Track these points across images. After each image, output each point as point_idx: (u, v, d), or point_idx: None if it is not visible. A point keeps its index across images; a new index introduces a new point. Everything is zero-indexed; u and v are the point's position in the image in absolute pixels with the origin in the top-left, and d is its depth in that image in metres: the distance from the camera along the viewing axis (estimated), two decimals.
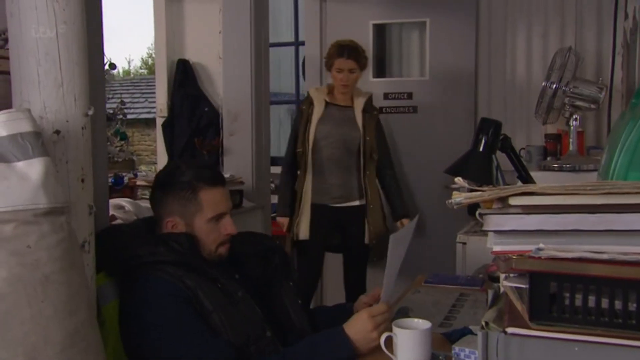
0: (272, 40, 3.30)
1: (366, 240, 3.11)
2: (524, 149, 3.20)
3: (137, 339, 1.47)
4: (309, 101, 3.13)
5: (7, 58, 1.31)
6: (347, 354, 1.45)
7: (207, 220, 1.61)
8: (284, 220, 3.17)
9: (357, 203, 3.11)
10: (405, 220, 3.18)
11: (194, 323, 1.44)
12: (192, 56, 4.33)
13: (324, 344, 1.48)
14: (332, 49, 3.09)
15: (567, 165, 2.72)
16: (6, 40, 1.32)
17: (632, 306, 0.82)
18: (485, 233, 0.94)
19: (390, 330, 1.37)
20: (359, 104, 3.10)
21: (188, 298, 1.46)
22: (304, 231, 3.06)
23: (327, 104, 3.11)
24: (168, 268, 1.49)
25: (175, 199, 1.61)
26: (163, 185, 1.66)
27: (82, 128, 1.31)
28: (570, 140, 2.85)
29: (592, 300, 0.84)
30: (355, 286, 3.19)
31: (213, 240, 1.62)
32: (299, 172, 3.13)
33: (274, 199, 4.10)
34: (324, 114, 3.07)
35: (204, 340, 1.43)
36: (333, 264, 3.41)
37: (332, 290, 3.39)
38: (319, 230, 3.09)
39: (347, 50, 3.01)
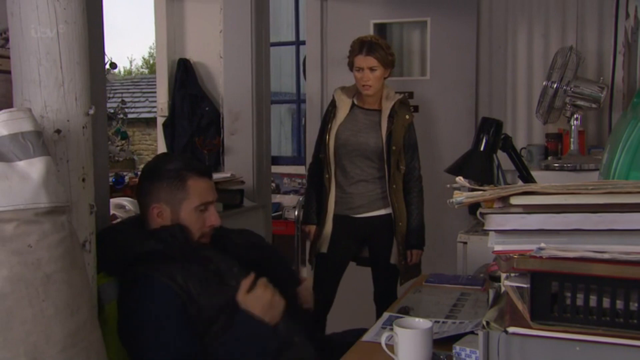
0: (272, 39, 3.30)
1: (392, 260, 2.80)
2: (525, 148, 3.20)
3: (129, 341, 1.50)
4: (333, 103, 2.86)
5: (8, 57, 1.31)
6: (267, 336, 1.49)
7: (194, 209, 1.62)
8: (307, 228, 2.93)
9: (382, 212, 2.80)
10: (415, 252, 2.79)
11: (182, 331, 1.45)
12: (192, 55, 4.34)
13: (245, 341, 1.49)
14: (351, 47, 2.80)
15: (568, 165, 2.73)
16: (7, 40, 1.32)
17: (634, 306, 0.82)
18: (486, 232, 0.94)
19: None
20: (386, 108, 2.76)
21: (180, 304, 1.47)
22: (322, 244, 2.84)
23: (353, 106, 2.82)
24: (160, 266, 1.50)
25: (163, 186, 1.62)
26: (151, 174, 1.67)
27: (83, 127, 1.31)
28: (571, 139, 2.85)
29: (593, 300, 0.84)
30: (385, 302, 2.76)
31: (197, 229, 1.63)
32: (326, 176, 2.85)
33: (275, 198, 4.10)
34: (346, 119, 2.79)
35: (194, 346, 1.45)
36: (357, 278, 3.09)
37: (360, 306, 3.12)
38: (339, 243, 2.83)
39: (367, 46, 2.71)
